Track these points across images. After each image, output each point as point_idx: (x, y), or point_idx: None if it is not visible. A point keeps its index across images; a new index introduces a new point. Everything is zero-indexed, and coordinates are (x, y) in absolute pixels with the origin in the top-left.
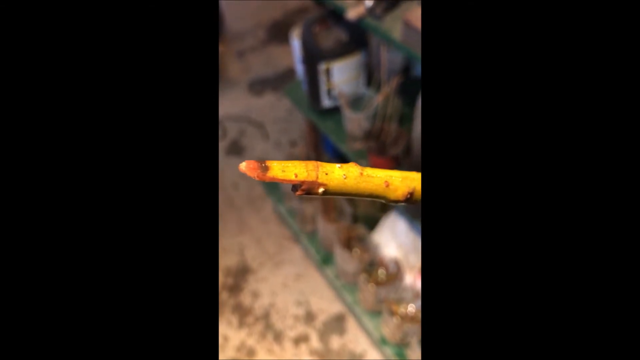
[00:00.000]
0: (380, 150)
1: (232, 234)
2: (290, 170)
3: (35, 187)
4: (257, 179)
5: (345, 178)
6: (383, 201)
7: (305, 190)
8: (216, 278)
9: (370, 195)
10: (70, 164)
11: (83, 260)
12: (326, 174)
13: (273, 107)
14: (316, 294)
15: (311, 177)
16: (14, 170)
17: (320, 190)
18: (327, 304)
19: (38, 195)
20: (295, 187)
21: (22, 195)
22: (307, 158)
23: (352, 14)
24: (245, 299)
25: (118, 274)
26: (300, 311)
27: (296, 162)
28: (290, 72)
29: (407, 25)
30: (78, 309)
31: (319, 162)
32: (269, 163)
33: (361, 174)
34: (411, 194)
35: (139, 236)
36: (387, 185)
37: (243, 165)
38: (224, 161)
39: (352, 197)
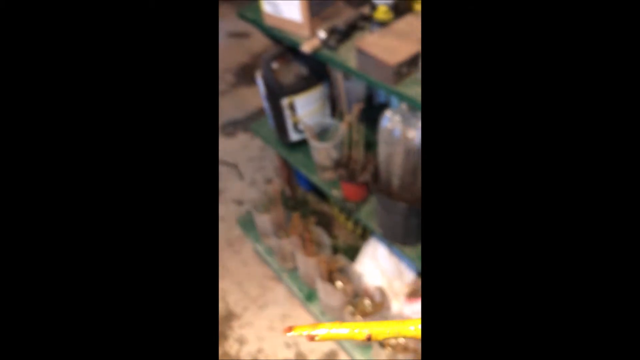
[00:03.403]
0: (350, 177)
1: None
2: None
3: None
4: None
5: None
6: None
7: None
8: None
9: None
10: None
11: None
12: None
13: (246, 147)
14: None
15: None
16: (14, 171)
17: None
18: (316, 343)
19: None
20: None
21: (20, 197)
22: (282, 193)
23: (307, 47)
24: (232, 347)
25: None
26: (290, 354)
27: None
28: (260, 112)
29: (361, 52)
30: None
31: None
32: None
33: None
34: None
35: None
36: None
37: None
38: None
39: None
